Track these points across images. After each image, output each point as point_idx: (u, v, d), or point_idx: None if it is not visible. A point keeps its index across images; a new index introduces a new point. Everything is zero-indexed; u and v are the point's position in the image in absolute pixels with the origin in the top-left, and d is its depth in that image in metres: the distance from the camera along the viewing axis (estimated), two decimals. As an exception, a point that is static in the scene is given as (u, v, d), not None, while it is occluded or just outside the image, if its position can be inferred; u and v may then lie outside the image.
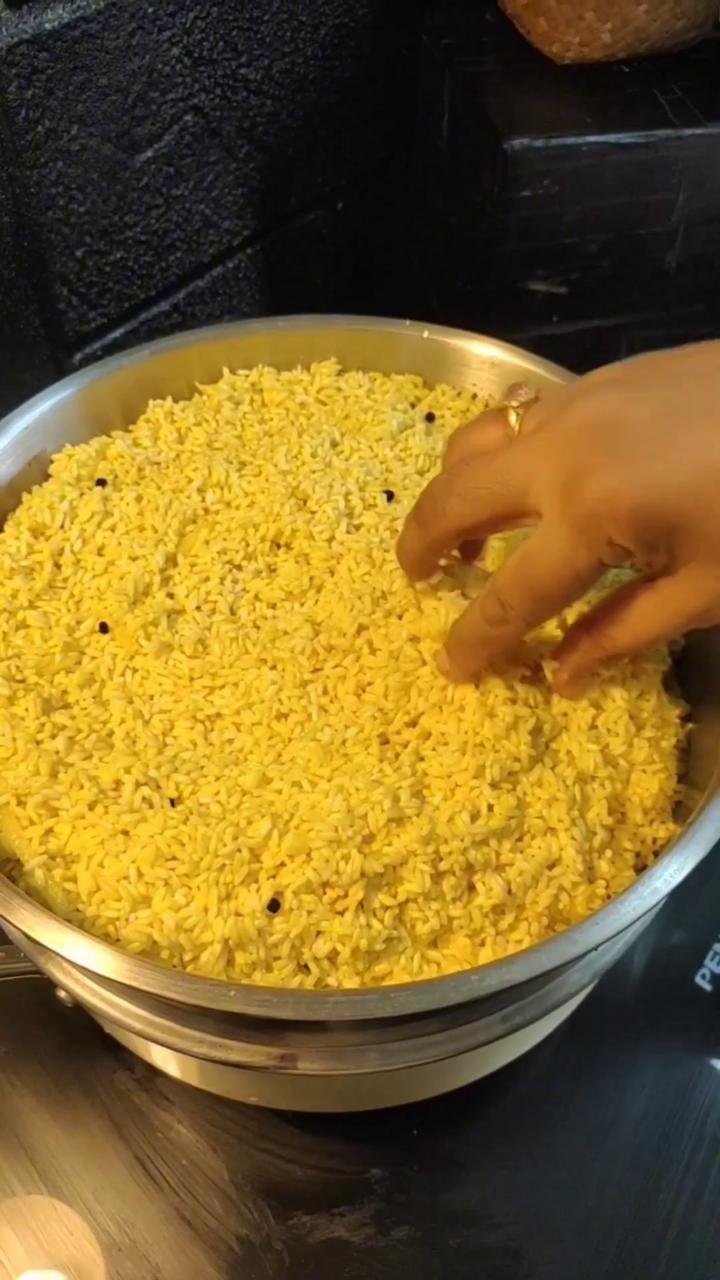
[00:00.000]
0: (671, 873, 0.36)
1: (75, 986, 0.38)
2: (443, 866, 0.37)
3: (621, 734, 0.41)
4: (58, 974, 0.38)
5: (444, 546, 0.40)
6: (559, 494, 0.33)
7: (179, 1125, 0.49)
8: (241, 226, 0.78)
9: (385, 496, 0.49)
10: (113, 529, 0.48)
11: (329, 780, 0.39)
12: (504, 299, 0.83)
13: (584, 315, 0.84)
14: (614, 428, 0.32)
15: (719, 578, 0.33)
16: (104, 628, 0.44)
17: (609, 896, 0.40)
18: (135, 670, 0.43)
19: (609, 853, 0.40)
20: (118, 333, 0.73)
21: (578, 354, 0.86)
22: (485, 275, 0.83)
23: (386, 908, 0.37)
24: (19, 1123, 0.48)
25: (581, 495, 0.32)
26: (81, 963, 0.32)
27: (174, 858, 0.37)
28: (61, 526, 0.48)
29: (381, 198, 0.90)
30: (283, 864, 0.37)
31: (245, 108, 0.73)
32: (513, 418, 0.37)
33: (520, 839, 0.39)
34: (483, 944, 0.39)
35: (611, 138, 0.75)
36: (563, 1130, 0.49)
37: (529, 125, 0.75)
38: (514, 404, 0.37)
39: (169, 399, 0.54)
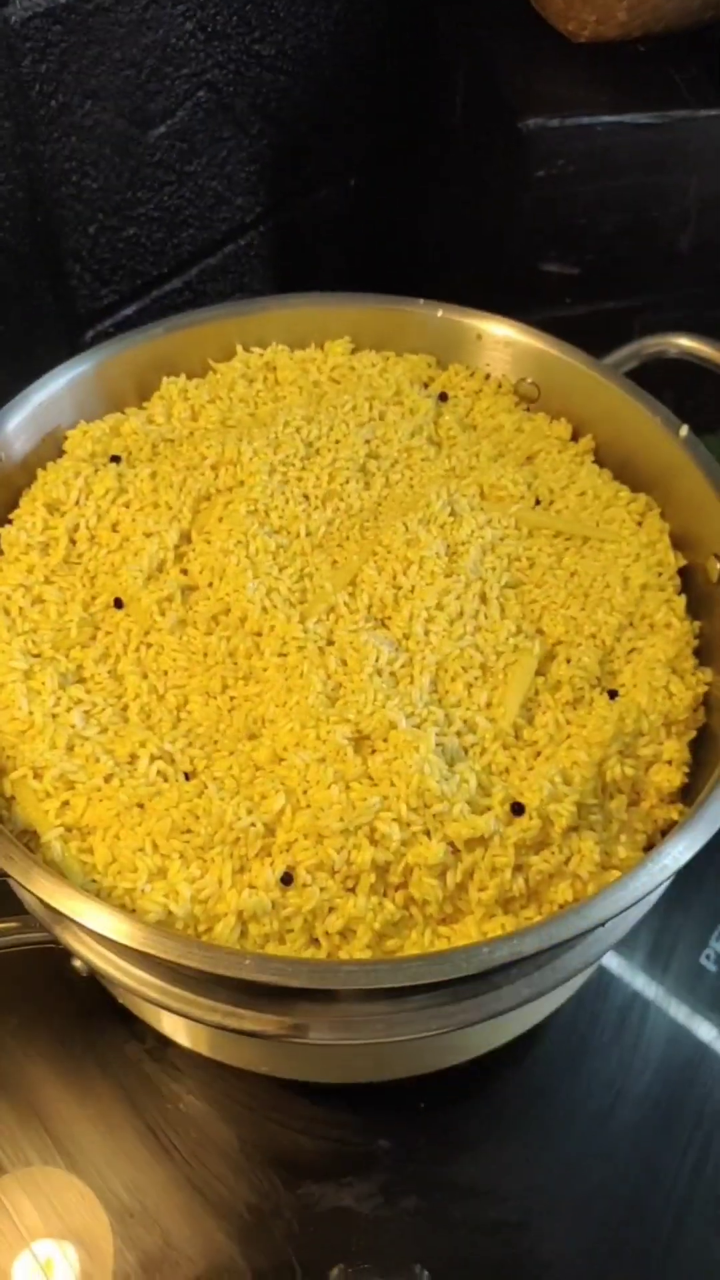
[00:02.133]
0: (679, 851, 0.36)
1: (91, 955, 0.38)
2: (461, 868, 0.38)
3: (648, 733, 0.42)
4: (74, 943, 0.39)
5: None
6: None
7: (190, 1095, 0.49)
8: (254, 203, 0.78)
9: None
10: (127, 505, 0.48)
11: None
12: (516, 280, 0.82)
13: (596, 297, 0.84)
14: None
15: None
16: (119, 603, 0.45)
17: (623, 869, 0.40)
18: (150, 645, 0.44)
19: (623, 836, 0.40)
20: (130, 309, 0.72)
21: (588, 336, 0.86)
22: (498, 255, 0.82)
23: (398, 887, 0.38)
24: (33, 1091, 0.49)
25: None
26: (101, 931, 0.33)
27: (189, 830, 0.38)
28: (77, 502, 0.48)
29: (395, 175, 0.89)
30: (296, 840, 0.37)
31: (259, 84, 0.73)
32: None
33: (543, 847, 0.39)
34: (492, 916, 0.39)
35: (627, 118, 0.74)
36: (568, 1105, 0.50)
37: (544, 104, 0.74)
38: None
39: (183, 376, 0.54)
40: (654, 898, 0.41)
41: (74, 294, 0.68)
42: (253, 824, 0.37)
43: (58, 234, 0.64)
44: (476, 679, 0.42)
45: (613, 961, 0.53)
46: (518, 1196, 0.47)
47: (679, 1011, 0.53)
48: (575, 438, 0.55)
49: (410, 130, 0.88)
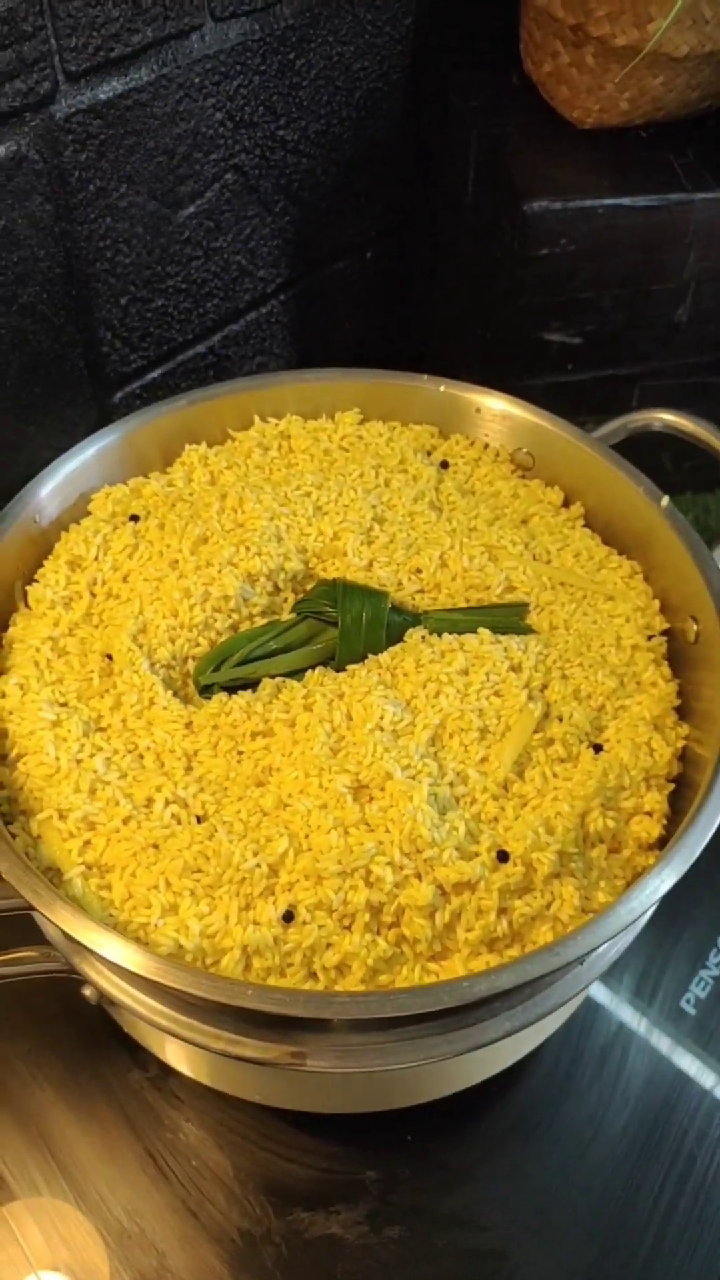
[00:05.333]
0: (647, 894, 0.39)
1: (106, 984, 0.41)
2: (449, 909, 0.41)
3: (629, 787, 0.45)
4: (90, 973, 0.42)
5: None
6: None
7: (188, 1124, 0.51)
8: (275, 275, 0.82)
9: None
10: (139, 558, 0.51)
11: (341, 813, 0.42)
12: (521, 347, 0.86)
13: (597, 364, 0.88)
14: None
15: None
16: (110, 657, 0.48)
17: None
18: (153, 703, 0.46)
19: (603, 882, 0.43)
20: (156, 373, 0.76)
21: (591, 401, 0.90)
22: (504, 324, 0.87)
23: (390, 925, 0.41)
24: (40, 1114, 0.51)
25: None
26: (117, 961, 0.36)
27: (199, 870, 0.41)
28: (95, 558, 0.51)
29: (408, 247, 0.94)
30: (298, 880, 0.41)
31: (283, 166, 0.77)
32: None
33: (526, 892, 0.42)
34: (478, 954, 0.42)
35: (626, 200, 0.78)
36: (549, 1140, 0.51)
37: (548, 187, 0.78)
38: None
39: (204, 444, 0.58)
40: (627, 938, 0.44)
41: (105, 359, 0.71)
42: (258, 865, 0.40)
43: (91, 305, 0.68)
44: (475, 739, 0.45)
45: (599, 998, 0.55)
46: (499, 1226, 0.49)
47: (660, 1051, 0.55)
48: (566, 504, 0.58)
49: (424, 207, 0.93)
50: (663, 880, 0.39)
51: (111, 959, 0.36)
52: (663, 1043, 0.55)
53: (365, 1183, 0.49)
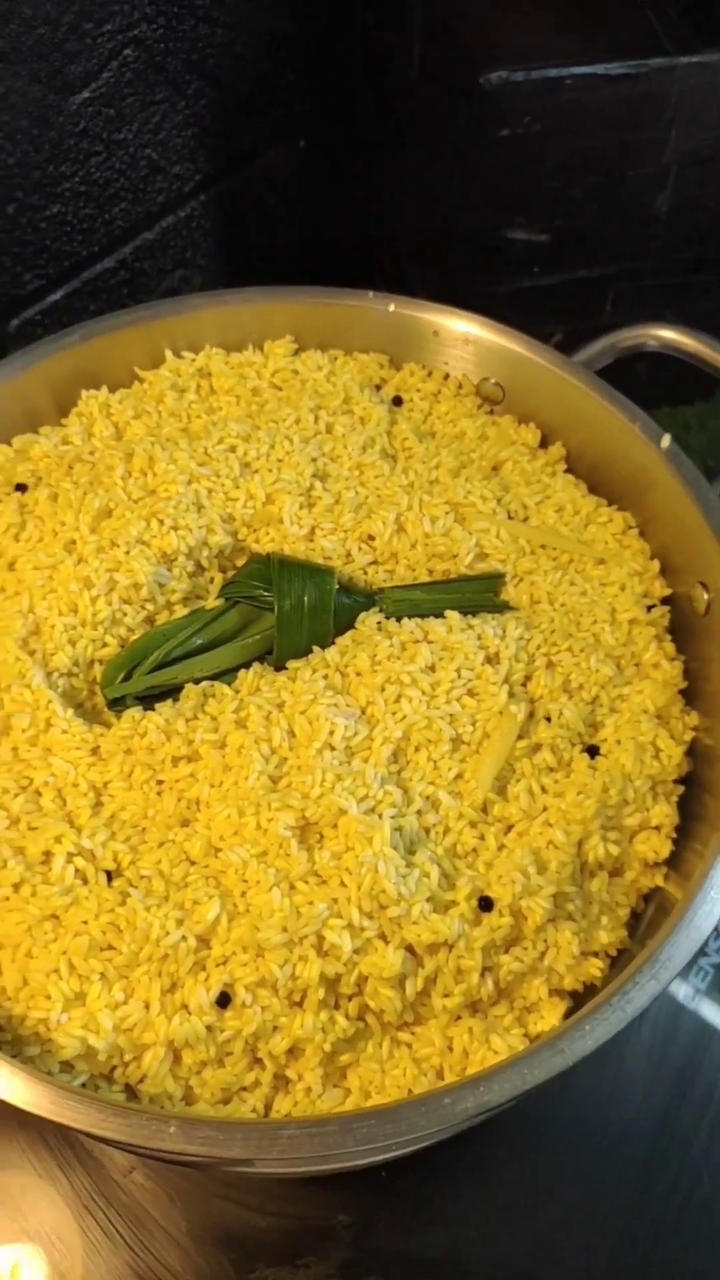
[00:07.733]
0: (650, 991, 0.32)
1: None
2: (422, 974, 0.34)
3: (634, 801, 0.38)
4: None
5: None
6: None
7: (133, 1171, 0.45)
8: (193, 171, 0.71)
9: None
10: (27, 539, 0.43)
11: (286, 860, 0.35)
12: (480, 248, 0.77)
13: (567, 266, 0.79)
14: None
15: None
16: None
17: (604, 954, 0.37)
18: (50, 725, 0.38)
19: (605, 918, 0.36)
20: (58, 295, 0.66)
21: (560, 308, 0.80)
22: (459, 221, 0.77)
23: (351, 996, 0.34)
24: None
25: None
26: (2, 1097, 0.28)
27: (110, 947, 0.33)
28: None
29: (348, 137, 0.83)
30: (234, 953, 0.33)
31: (193, 38, 0.66)
32: None
33: (514, 944, 0.35)
34: (458, 1019, 0.35)
35: (599, 68, 0.68)
36: (545, 1166, 0.46)
37: (508, 55, 0.68)
38: None
39: (104, 388, 0.49)
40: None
41: (-8, 281, 0.61)
42: (183, 938, 0.33)
43: (-31, 216, 0.58)
44: (446, 752, 0.37)
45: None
46: (487, 1270, 0.43)
47: (660, 1069, 0.49)
48: (544, 444, 0.50)
49: (364, 86, 0.82)
50: (672, 962, 0.31)
51: (-7, 1092, 0.28)
52: (665, 1054, 0.49)
53: (336, 1229, 0.44)
